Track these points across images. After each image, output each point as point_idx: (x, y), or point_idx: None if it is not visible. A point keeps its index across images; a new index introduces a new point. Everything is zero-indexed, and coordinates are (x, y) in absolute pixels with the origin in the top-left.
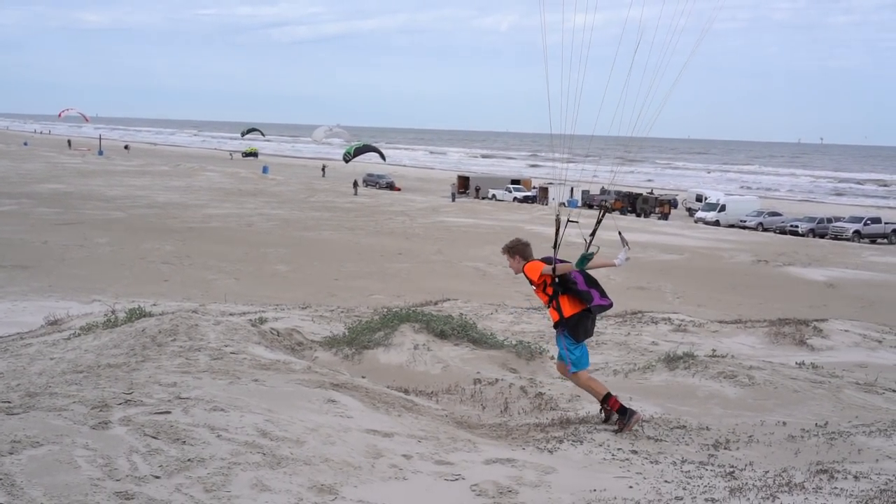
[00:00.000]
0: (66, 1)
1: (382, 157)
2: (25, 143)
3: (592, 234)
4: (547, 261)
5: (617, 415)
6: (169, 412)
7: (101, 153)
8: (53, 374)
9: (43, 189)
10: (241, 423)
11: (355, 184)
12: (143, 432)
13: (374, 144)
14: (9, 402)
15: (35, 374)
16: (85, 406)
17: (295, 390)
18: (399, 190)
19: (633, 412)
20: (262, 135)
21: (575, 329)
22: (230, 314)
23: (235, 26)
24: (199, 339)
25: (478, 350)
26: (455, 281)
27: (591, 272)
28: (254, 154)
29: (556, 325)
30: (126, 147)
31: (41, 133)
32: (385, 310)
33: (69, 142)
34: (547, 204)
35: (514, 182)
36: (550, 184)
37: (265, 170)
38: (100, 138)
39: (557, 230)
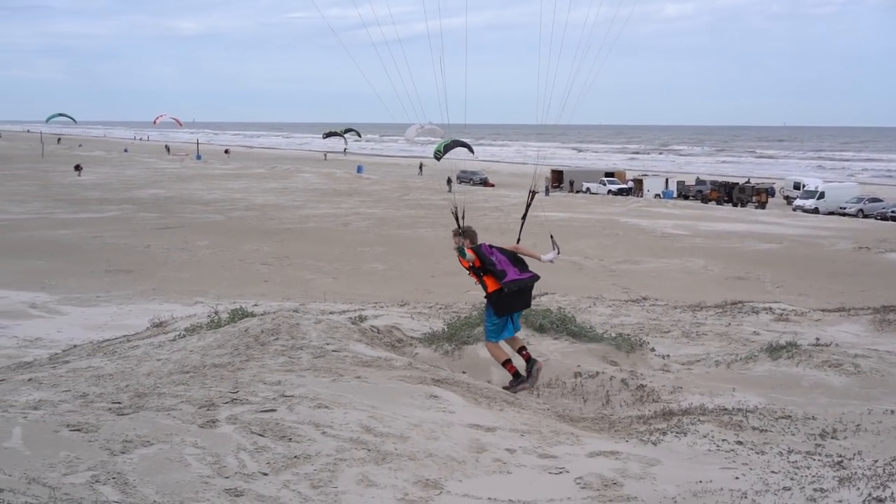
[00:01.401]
0: (162, 10)
1: (471, 150)
2: (125, 150)
3: (524, 217)
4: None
5: (512, 377)
6: (274, 410)
7: (199, 158)
8: (161, 374)
9: (144, 194)
10: (345, 419)
11: (449, 181)
12: (249, 430)
13: (463, 139)
14: (119, 402)
15: (143, 375)
16: (192, 405)
17: (397, 387)
18: (493, 186)
19: (523, 380)
20: (359, 135)
21: (496, 305)
22: (330, 313)
23: (326, 28)
24: (301, 338)
25: (577, 343)
26: (551, 275)
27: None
28: (337, 134)
29: (485, 299)
30: (226, 151)
31: (140, 139)
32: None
33: (167, 147)
34: (642, 196)
35: (609, 175)
36: (645, 175)
37: (360, 169)
38: (197, 143)
39: (456, 218)
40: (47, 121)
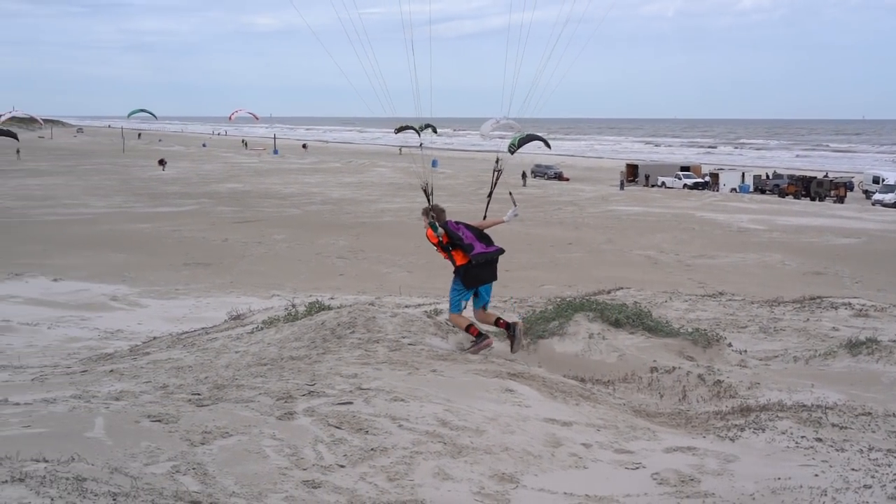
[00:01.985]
0: (240, 6)
1: (547, 145)
2: (204, 145)
3: (489, 196)
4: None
5: (474, 338)
6: (351, 403)
7: (276, 152)
8: (239, 366)
9: (222, 188)
10: (421, 412)
11: (524, 175)
12: (326, 422)
13: (539, 133)
14: (199, 394)
15: (222, 367)
16: (270, 397)
17: (472, 380)
18: (567, 180)
19: (485, 338)
20: (435, 131)
21: (464, 277)
22: (405, 306)
23: (401, 23)
24: (377, 331)
25: (653, 338)
26: (626, 269)
27: (487, 230)
28: (409, 128)
29: (454, 273)
30: (304, 146)
31: (218, 134)
32: (558, 299)
33: (245, 142)
34: (718, 190)
35: (684, 169)
36: (721, 169)
37: (434, 163)
38: (274, 137)
39: (426, 193)
40: (129, 116)
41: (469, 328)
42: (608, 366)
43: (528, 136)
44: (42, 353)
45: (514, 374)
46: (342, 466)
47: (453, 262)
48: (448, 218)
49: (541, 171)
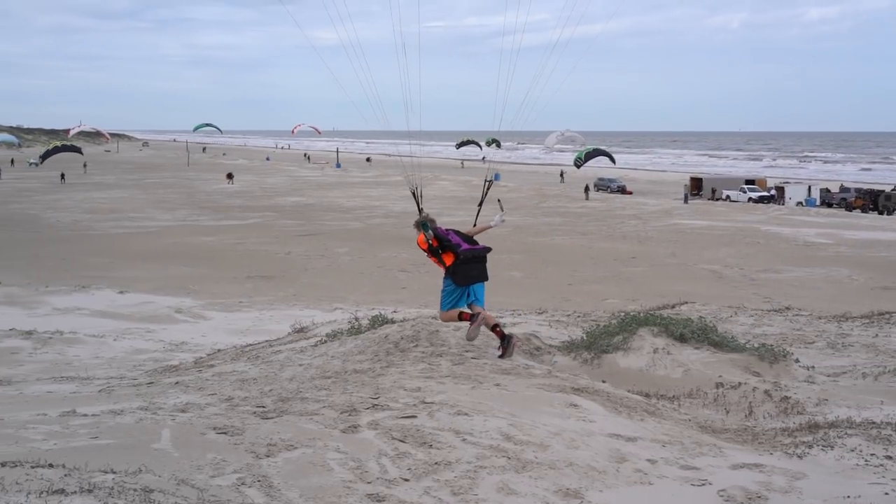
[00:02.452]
0: (302, 21)
1: (612, 160)
2: (267, 159)
3: (480, 205)
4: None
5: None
6: (415, 416)
7: (338, 166)
8: (303, 379)
9: (285, 202)
10: (484, 427)
11: (587, 188)
12: (390, 436)
13: (604, 148)
14: (263, 406)
15: (286, 379)
16: (335, 410)
17: (536, 395)
18: (631, 193)
19: (509, 338)
20: (499, 146)
21: (454, 273)
22: None
23: (464, 37)
24: (441, 345)
25: (719, 353)
26: (691, 284)
27: (478, 236)
28: (471, 142)
29: (444, 274)
30: (368, 159)
31: (282, 148)
32: (622, 313)
33: (307, 155)
34: (784, 204)
35: (749, 182)
36: (787, 183)
37: (497, 177)
38: (337, 151)
39: (415, 196)
40: (195, 130)
41: (460, 316)
42: (673, 381)
43: (594, 150)
44: (108, 365)
45: (579, 389)
46: (406, 480)
47: (443, 265)
48: (439, 226)
49: (604, 185)
